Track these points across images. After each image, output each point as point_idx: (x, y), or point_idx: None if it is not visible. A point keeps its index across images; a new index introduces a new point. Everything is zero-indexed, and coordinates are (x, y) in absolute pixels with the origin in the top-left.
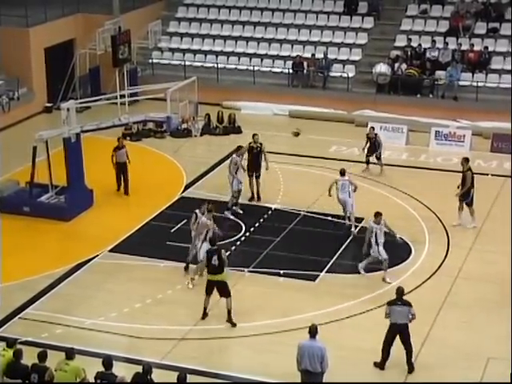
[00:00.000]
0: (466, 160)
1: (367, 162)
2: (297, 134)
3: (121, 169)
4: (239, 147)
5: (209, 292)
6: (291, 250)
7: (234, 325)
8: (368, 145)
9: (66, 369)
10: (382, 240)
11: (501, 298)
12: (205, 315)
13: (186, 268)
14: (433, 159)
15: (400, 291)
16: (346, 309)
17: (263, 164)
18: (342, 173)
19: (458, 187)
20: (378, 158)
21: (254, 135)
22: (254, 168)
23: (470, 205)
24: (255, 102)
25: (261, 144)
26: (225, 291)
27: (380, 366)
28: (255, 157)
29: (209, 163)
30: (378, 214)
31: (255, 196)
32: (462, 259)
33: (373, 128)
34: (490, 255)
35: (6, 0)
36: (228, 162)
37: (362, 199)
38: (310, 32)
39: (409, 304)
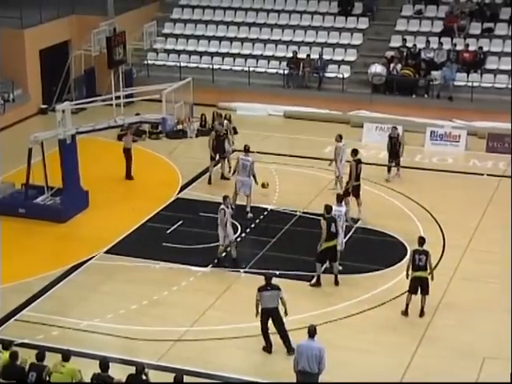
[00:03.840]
0: (354, 151)
1: (389, 169)
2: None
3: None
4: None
5: (322, 260)
6: (287, 250)
7: (337, 283)
8: (389, 147)
9: (62, 371)
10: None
11: (496, 298)
12: (318, 283)
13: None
14: (428, 159)
15: (268, 277)
16: (342, 309)
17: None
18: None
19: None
20: (398, 163)
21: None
22: (218, 151)
23: (357, 196)
24: (250, 102)
25: (226, 131)
26: (334, 256)
27: (267, 350)
28: (220, 143)
29: (204, 164)
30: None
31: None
32: (458, 259)
33: (395, 127)
34: (486, 255)
35: (1, 1)
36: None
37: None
38: (304, 33)
39: (277, 288)
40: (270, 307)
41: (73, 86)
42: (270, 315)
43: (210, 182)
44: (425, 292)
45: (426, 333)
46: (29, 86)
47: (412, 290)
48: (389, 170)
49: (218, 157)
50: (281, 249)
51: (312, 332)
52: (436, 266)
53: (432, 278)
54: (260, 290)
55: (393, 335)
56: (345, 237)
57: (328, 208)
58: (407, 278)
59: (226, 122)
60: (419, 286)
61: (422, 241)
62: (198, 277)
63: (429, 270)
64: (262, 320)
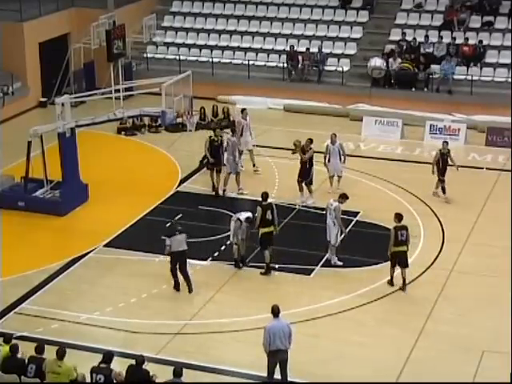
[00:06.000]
0: (310, 140)
1: (443, 188)
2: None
3: None
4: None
5: (264, 246)
6: (286, 244)
7: (269, 272)
8: (440, 163)
9: (59, 371)
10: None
11: (496, 291)
12: (268, 271)
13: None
14: (427, 153)
15: (175, 223)
16: (340, 303)
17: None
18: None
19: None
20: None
21: (215, 129)
22: (215, 160)
23: (309, 184)
24: (250, 96)
25: (221, 137)
26: (270, 241)
27: (176, 288)
28: (216, 150)
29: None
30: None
31: (217, 190)
32: (457, 253)
33: (446, 142)
34: (485, 249)
35: None
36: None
37: (357, 193)
38: (304, 26)
39: (185, 232)
40: (180, 250)
41: (72, 79)
42: (179, 257)
43: (217, 195)
44: (404, 265)
45: (425, 326)
46: (28, 79)
47: (394, 264)
48: (444, 191)
49: (213, 166)
50: (280, 242)
51: (276, 312)
52: (435, 260)
53: (407, 249)
54: (169, 236)
55: (392, 328)
56: (345, 230)
57: (263, 195)
58: (388, 253)
59: (248, 117)
60: (399, 259)
61: (400, 217)
62: (198, 270)
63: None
64: (171, 262)
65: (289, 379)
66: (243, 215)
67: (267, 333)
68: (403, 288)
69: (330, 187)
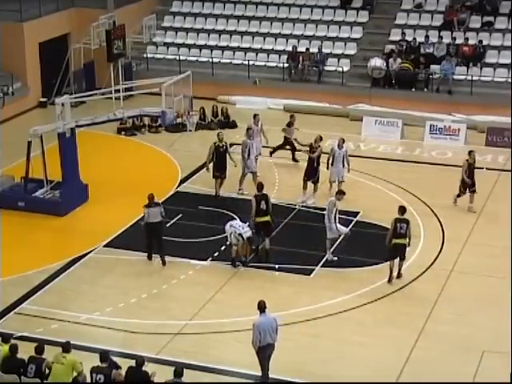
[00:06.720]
0: (319, 137)
1: (471, 198)
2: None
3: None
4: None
5: (258, 232)
6: (286, 244)
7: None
8: (466, 173)
9: (64, 361)
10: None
11: (496, 291)
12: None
13: None
14: (427, 153)
15: (151, 197)
16: (341, 303)
17: (229, 163)
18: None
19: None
20: (474, 191)
21: (218, 134)
22: (220, 168)
23: (315, 183)
24: (250, 96)
25: (226, 143)
26: (267, 232)
27: (149, 257)
28: (221, 156)
29: (204, 157)
30: (340, 192)
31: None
32: (457, 253)
33: (473, 151)
34: (485, 249)
35: None
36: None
37: (357, 193)
38: (304, 26)
39: (160, 205)
40: (155, 221)
41: (72, 80)
42: (154, 229)
43: (217, 196)
44: (402, 257)
45: (426, 326)
46: (28, 80)
47: (393, 256)
48: (471, 201)
49: (219, 174)
50: (280, 242)
51: (263, 307)
52: (435, 260)
53: (409, 245)
54: (147, 206)
55: (392, 328)
56: (332, 225)
57: (258, 186)
58: (388, 244)
59: (260, 123)
60: (398, 252)
61: (402, 210)
62: (197, 270)
63: (408, 238)
64: (146, 234)
65: (289, 379)
66: (246, 233)
67: (257, 330)
68: (398, 276)
69: (329, 188)
